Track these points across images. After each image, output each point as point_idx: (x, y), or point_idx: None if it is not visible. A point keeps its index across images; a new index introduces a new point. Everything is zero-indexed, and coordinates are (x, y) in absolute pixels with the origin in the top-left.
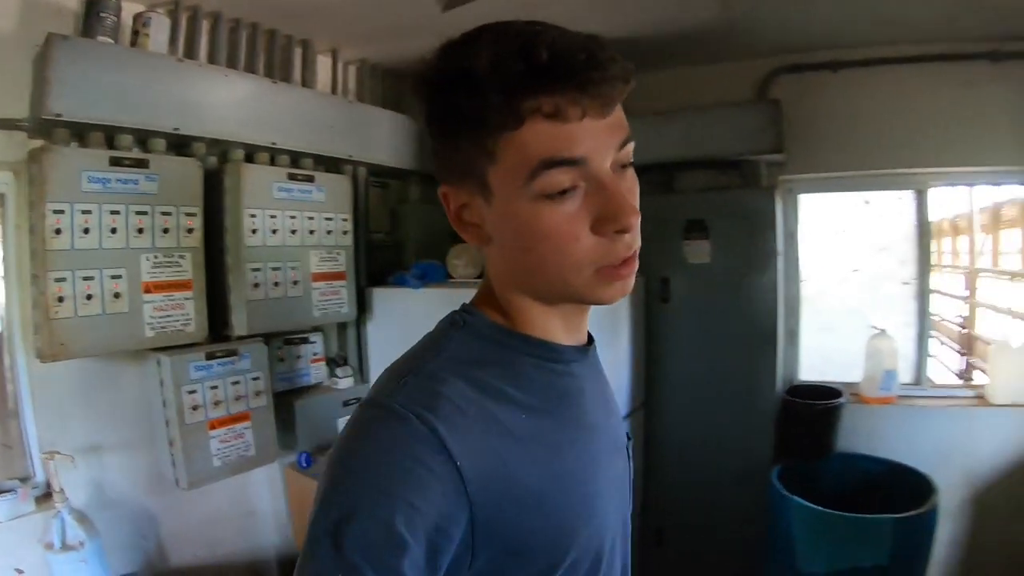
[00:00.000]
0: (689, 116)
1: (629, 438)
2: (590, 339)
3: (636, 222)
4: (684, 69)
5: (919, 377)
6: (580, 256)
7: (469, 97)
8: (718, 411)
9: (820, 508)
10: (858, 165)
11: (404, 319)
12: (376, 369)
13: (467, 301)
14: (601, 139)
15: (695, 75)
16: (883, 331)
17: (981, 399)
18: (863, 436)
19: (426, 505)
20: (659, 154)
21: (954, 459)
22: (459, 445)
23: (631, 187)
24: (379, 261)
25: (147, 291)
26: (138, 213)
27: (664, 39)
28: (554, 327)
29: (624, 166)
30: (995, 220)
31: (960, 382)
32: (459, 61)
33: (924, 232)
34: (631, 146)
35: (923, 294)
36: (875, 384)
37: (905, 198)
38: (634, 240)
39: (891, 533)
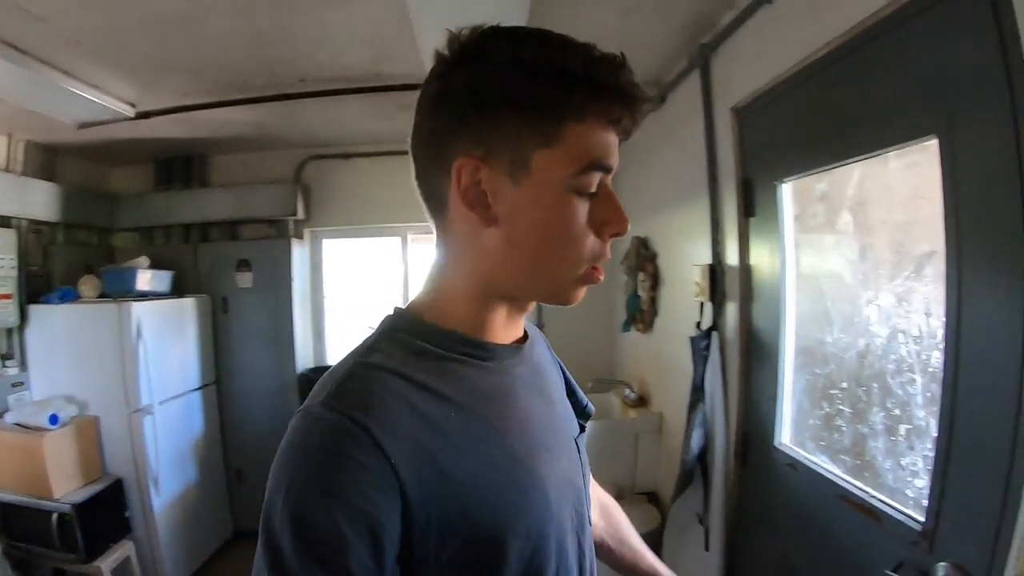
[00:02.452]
0: (245, 189)
1: (582, 429)
2: (525, 336)
3: (627, 231)
4: (250, 154)
5: None
6: (584, 252)
7: (556, 85)
8: (264, 382)
9: None
10: (362, 221)
11: (50, 326)
12: (32, 361)
13: (400, 305)
14: (617, 159)
15: (259, 158)
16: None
17: None
18: None
19: (365, 503)
20: (226, 214)
21: None
22: (392, 442)
23: None
24: (35, 285)
25: None
26: None
27: (232, 137)
28: (495, 324)
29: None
30: None
31: None
32: (546, 51)
33: (405, 264)
34: None
35: (405, 303)
36: None
37: (394, 243)
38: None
39: None
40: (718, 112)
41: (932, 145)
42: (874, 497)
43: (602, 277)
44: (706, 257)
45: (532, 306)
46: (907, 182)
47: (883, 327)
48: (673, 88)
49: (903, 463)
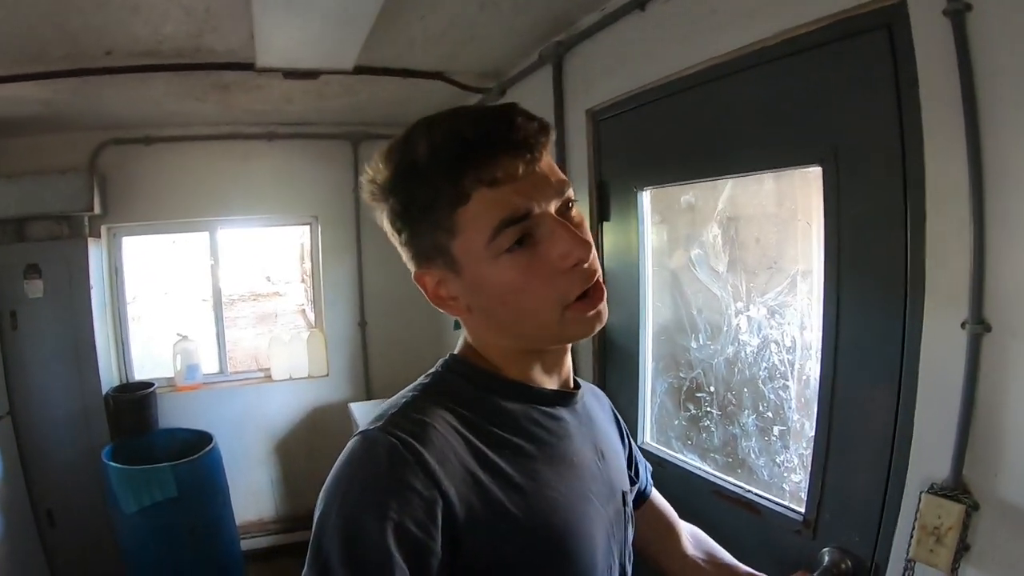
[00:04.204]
0: (32, 180)
1: (634, 482)
2: (577, 386)
3: (588, 253)
4: (36, 137)
5: (221, 367)
6: (549, 297)
7: (420, 187)
8: (66, 407)
9: (121, 466)
10: (166, 215)
11: None
12: None
13: (454, 351)
14: (541, 188)
15: (47, 142)
16: (186, 336)
17: (268, 377)
18: (181, 415)
19: (415, 526)
20: (10, 211)
21: (254, 422)
22: (444, 471)
23: (579, 223)
24: None
25: None
26: None
27: (16, 117)
28: (535, 371)
29: (569, 206)
30: None
31: (256, 366)
32: (404, 158)
33: (215, 259)
34: (570, 188)
35: (216, 305)
36: (183, 376)
37: (203, 238)
38: (594, 269)
39: (172, 474)
40: (570, 113)
41: (815, 173)
42: (750, 492)
43: (598, 304)
44: None
45: (567, 346)
46: (784, 204)
47: (754, 337)
48: (516, 83)
49: (778, 460)
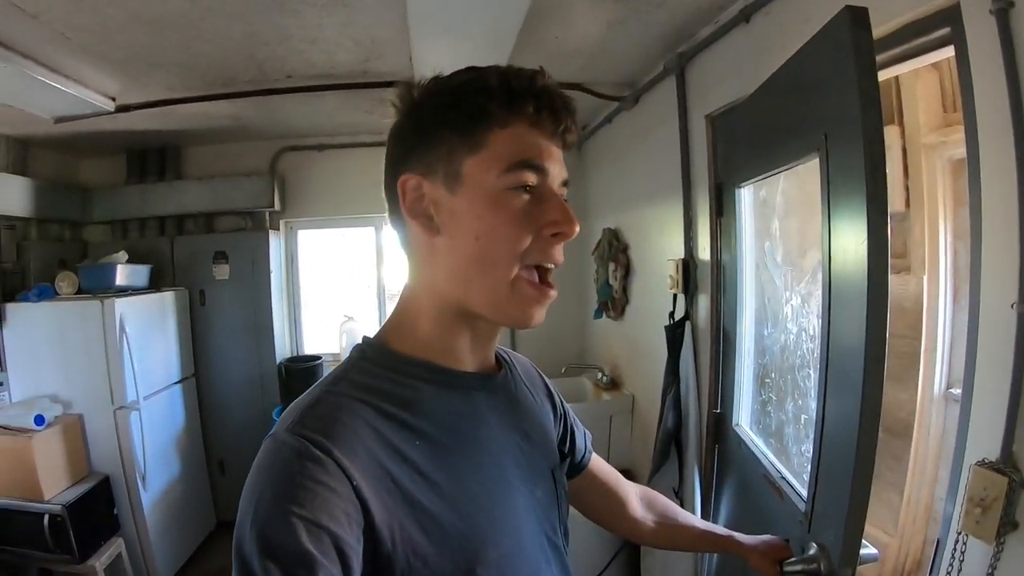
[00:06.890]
0: (221, 181)
1: (564, 457)
2: (500, 366)
3: (572, 232)
4: (225, 145)
5: None
6: (518, 249)
7: (476, 97)
8: (243, 373)
9: None
10: (336, 211)
11: (29, 324)
12: (11, 361)
13: (369, 335)
14: (557, 161)
15: (234, 149)
16: (351, 317)
17: None
18: None
19: (329, 522)
20: (202, 206)
21: None
22: (354, 465)
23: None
24: (10, 283)
25: None
26: None
27: (209, 129)
28: (460, 349)
29: (565, 199)
30: None
31: None
32: (473, 78)
33: (379, 253)
34: (567, 188)
35: (380, 292)
36: (347, 352)
37: (368, 232)
38: (561, 258)
39: None
40: (693, 118)
41: (816, 162)
42: (783, 478)
43: (544, 297)
44: (679, 252)
45: (498, 331)
46: (814, 195)
47: (794, 325)
48: (647, 91)
49: (802, 449)
